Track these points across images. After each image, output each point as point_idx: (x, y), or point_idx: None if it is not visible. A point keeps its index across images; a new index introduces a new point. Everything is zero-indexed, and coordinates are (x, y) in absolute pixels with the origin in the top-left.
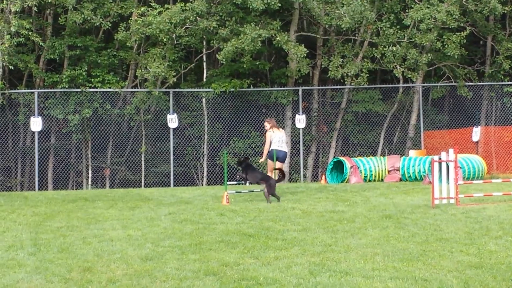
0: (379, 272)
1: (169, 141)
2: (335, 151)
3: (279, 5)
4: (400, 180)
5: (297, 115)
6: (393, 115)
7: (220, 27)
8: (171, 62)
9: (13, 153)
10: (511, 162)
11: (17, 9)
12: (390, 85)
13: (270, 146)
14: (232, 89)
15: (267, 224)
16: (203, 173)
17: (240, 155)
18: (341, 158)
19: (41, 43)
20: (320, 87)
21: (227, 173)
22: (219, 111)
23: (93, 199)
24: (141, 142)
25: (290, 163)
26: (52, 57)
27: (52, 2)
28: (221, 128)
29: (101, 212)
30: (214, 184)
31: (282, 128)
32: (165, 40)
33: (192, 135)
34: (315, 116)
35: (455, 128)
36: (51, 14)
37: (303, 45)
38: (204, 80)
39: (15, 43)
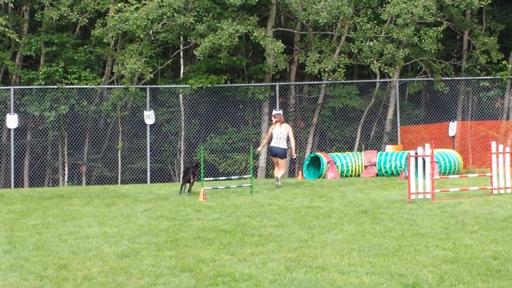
0: (355, 267)
1: (146, 137)
2: (312, 146)
3: (257, 0)
4: (377, 175)
5: (274, 110)
6: (370, 110)
7: (197, 23)
8: (148, 58)
9: None
10: (487, 157)
11: None
12: (367, 80)
13: (269, 140)
14: (209, 85)
15: (243, 220)
16: (179, 169)
17: (217, 151)
18: (318, 153)
19: (17, 40)
20: (297, 83)
21: (204, 169)
22: (196, 107)
23: (69, 196)
24: (118, 139)
25: (267, 159)
26: (28, 53)
27: None
28: (198, 124)
29: (77, 209)
30: None
31: (280, 124)
32: (142, 36)
33: (169, 131)
34: (292, 111)
35: (432, 123)
36: (27, 10)
37: (280, 40)
38: (181, 76)
39: None
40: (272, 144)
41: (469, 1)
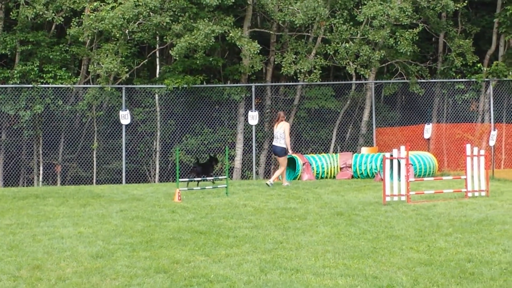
0: (330, 269)
1: (121, 137)
2: None
3: (233, 0)
4: (352, 177)
5: (250, 111)
6: (346, 112)
7: (173, 23)
8: (123, 58)
9: None
10: (462, 159)
11: None
12: (343, 82)
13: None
14: (185, 85)
15: (218, 221)
16: (155, 170)
17: (193, 152)
18: (294, 155)
19: None
20: (273, 84)
21: (179, 170)
22: (172, 107)
23: (44, 196)
24: (93, 139)
25: (242, 160)
26: (3, 52)
27: None
28: (173, 125)
29: (52, 209)
30: (166, 181)
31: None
32: (118, 35)
33: (144, 131)
34: (268, 112)
35: (407, 125)
36: (2, 8)
37: (256, 41)
38: (157, 76)
39: None
40: (273, 142)
41: (444, 4)
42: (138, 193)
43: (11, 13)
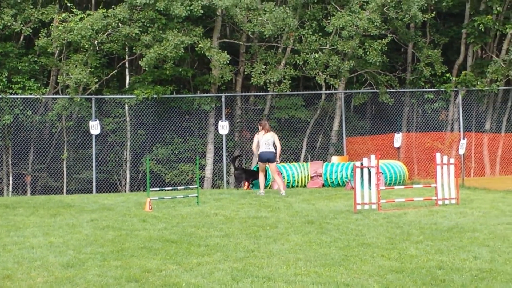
0: (301, 277)
1: (91, 147)
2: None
3: (202, 11)
4: (323, 185)
5: (220, 121)
6: (316, 122)
7: (143, 34)
8: (93, 69)
9: None
10: (432, 168)
11: None
12: (313, 92)
13: (257, 148)
14: (155, 96)
15: (189, 230)
16: (125, 180)
17: (163, 162)
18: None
19: None
20: (243, 94)
21: (149, 179)
22: (142, 117)
23: (13, 206)
24: (63, 149)
25: (213, 169)
26: None
27: None
28: (144, 135)
29: (22, 219)
30: (137, 191)
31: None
32: (86, 46)
33: (114, 141)
34: (238, 122)
35: (377, 134)
36: None
37: (226, 51)
38: (127, 86)
39: None
40: (262, 150)
41: (413, 14)
42: (108, 202)
43: None
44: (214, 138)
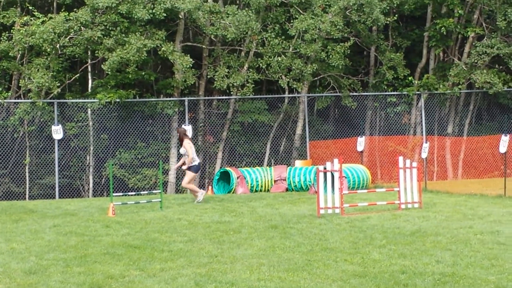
0: (265, 282)
1: (54, 152)
2: (222, 161)
3: (164, 15)
4: (286, 190)
5: (183, 125)
6: (279, 125)
7: (105, 37)
8: (55, 73)
9: None
10: (395, 172)
11: None
12: (276, 96)
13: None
14: (118, 100)
15: (153, 236)
16: (89, 185)
17: (126, 166)
18: (228, 168)
19: None
20: (206, 98)
21: (113, 184)
22: (105, 122)
23: None
24: (25, 154)
25: (176, 174)
26: None
27: None
28: (107, 139)
29: None
30: (100, 196)
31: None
32: (49, 50)
33: (77, 146)
34: (201, 126)
35: (340, 138)
36: None
37: (188, 55)
38: (89, 90)
39: None
40: (196, 159)
41: (375, 18)
42: (71, 208)
43: None
44: (177, 143)
